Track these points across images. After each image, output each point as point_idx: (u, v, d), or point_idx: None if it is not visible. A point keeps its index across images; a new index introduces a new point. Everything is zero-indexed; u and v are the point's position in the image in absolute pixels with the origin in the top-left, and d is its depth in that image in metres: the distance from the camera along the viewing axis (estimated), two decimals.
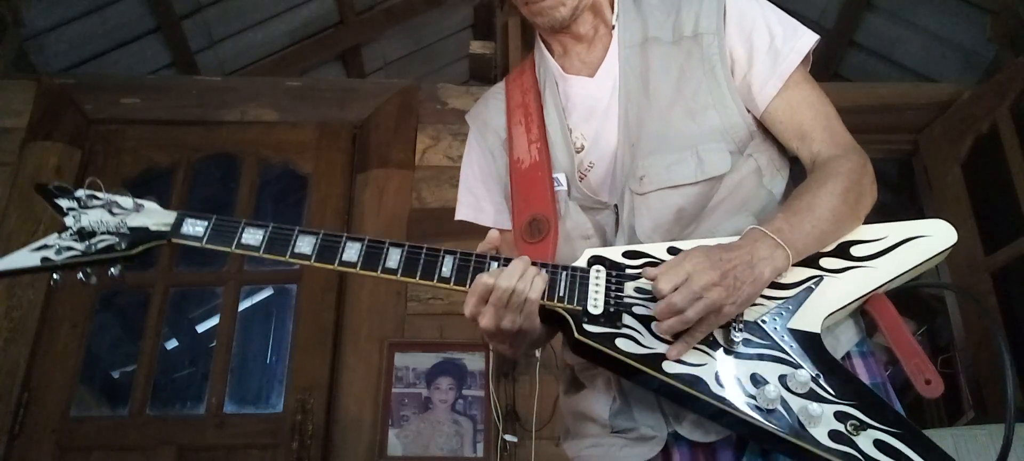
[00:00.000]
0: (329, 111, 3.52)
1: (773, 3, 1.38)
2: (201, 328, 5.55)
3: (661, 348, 1.13)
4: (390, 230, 3.22)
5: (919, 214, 3.73)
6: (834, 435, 1.06)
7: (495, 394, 3.00)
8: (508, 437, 2.92)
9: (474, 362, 3.06)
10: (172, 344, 5.31)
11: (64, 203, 1.23)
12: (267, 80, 4.00)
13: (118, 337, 4.64)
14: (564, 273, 1.19)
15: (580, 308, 1.16)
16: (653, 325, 1.14)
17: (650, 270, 1.13)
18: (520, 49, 3.65)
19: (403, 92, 3.56)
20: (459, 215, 1.50)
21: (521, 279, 1.13)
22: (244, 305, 4.15)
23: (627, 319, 1.16)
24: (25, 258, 1.18)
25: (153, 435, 2.96)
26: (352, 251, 1.20)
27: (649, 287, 1.14)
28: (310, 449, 2.90)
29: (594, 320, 1.16)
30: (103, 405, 4.23)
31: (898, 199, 4.23)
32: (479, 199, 1.48)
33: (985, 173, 3.32)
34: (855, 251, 1.21)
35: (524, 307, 1.14)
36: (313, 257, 1.20)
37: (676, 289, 1.08)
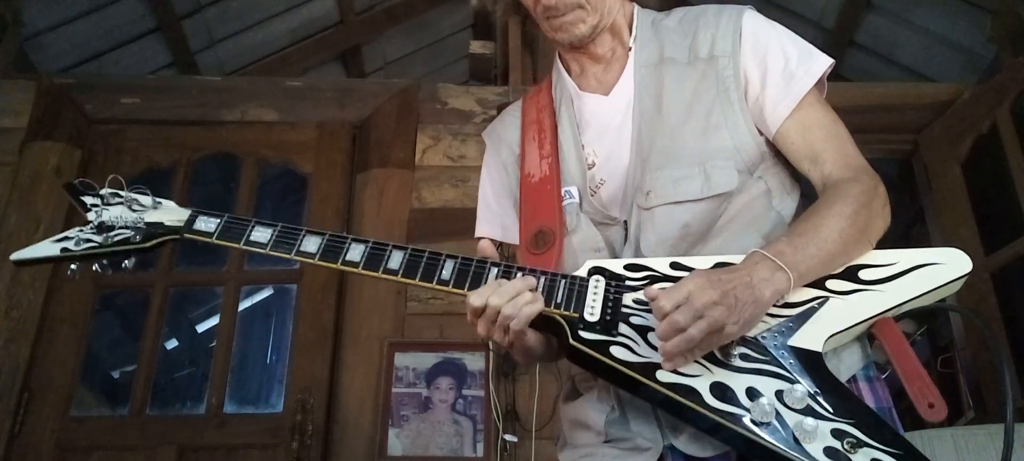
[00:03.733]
0: (329, 111, 3.52)
1: (779, 8, 1.38)
2: (201, 328, 5.56)
3: (656, 358, 1.12)
4: (390, 230, 3.23)
5: (919, 214, 3.73)
6: (830, 452, 1.05)
7: (495, 394, 3.00)
8: (508, 437, 2.92)
9: (474, 362, 3.06)
10: (172, 344, 5.32)
11: (88, 199, 1.31)
12: (267, 80, 4.00)
13: (118, 337, 4.64)
14: (563, 281, 1.20)
15: (576, 315, 1.17)
16: (650, 336, 1.14)
17: (650, 289, 1.13)
18: (520, 49, 3.66)
19: (403, 92, 3.56)
20: (479, 231, 1.51)
21: (511, 303, 1.15)
22: (244, 305, 4.15)
23: (623, 328, 1.16)
24: (47, 248, 1.27)
25: (153, 435, 2.96)
26: (356, 252, 1.24)
27: (651, 296, 1.13)
28: (310, 449, 2.90)
29: (590, 327, 1.16)
30: (103, 405, 4.23)
31: (898, 199, 4.22)
32: (497, 215, 1.50)
33: (985, 173, 3.32)
34: (863, 275, 1.20)
35: (510, 329, 1.16)
36: (317, 256, 1.25)
37: (677, 308, 1.08)
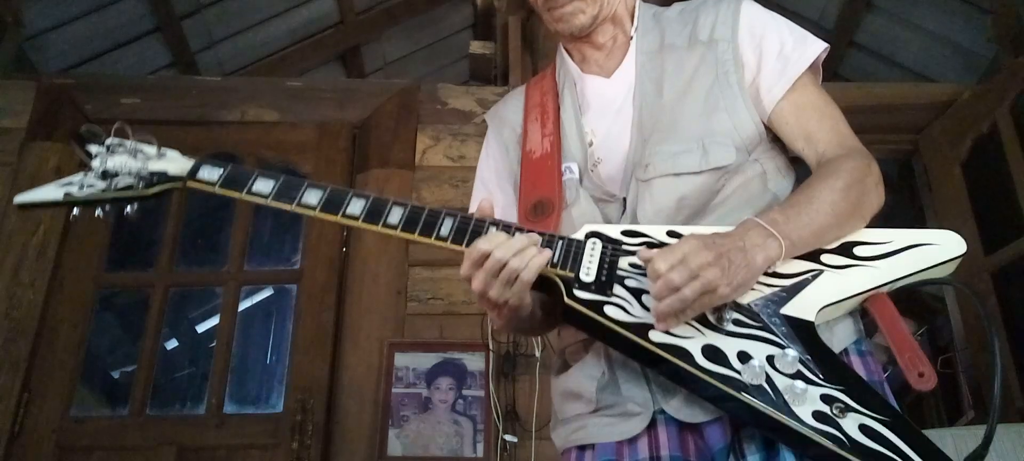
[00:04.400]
0: (329, 111, 3.52)
1: (779, 8, 1.41)
2: (201, 328, 5.55)
3: (650, 319, 1.14)
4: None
5: (919, 214, 3.73)
6: (818, 416, 1.06)
7: (495, 394, 3.00)
8: (508, 437, 2.92)
9: (474, 362, 3.06)
10: (172, 344, 5.31)
11: (93, 147, 1.31)
12: (267, 80, 4.01)
13: (118, 337, 4.64)
14: (561, 242, 1.22)
15: (572, 274, 1.19)
16: (644, 298, 1.16)
17: (645, 251, 1.15)
18: (520, 49, 3.66)
19: (403, 92, 3.56)
20: (473, 208, 1.51)
21: (518, 256, 1.15)
22: (244, 305, 4.14)
23: (618, 289, 1.18)
24: (50, 192, 1.27)
25: (153, 435, 2.96)
26: (356, 206, 1.25)
27: (644, 265, 1.15)
28: (310, 449, 2.90)
29: (585, 287, 1.18)
30: (103, 405, 4.23)
31: (898, 199, 4.22)
32: (493, 193, 1.51)
33: (985, 173, 3.32)
34: (858, 251, 1.22)
35: (515, 283, 1.16)
36: (318, 208, 1.25)
37: (672, 268, 1.09)
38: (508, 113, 1.56)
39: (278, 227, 3.74)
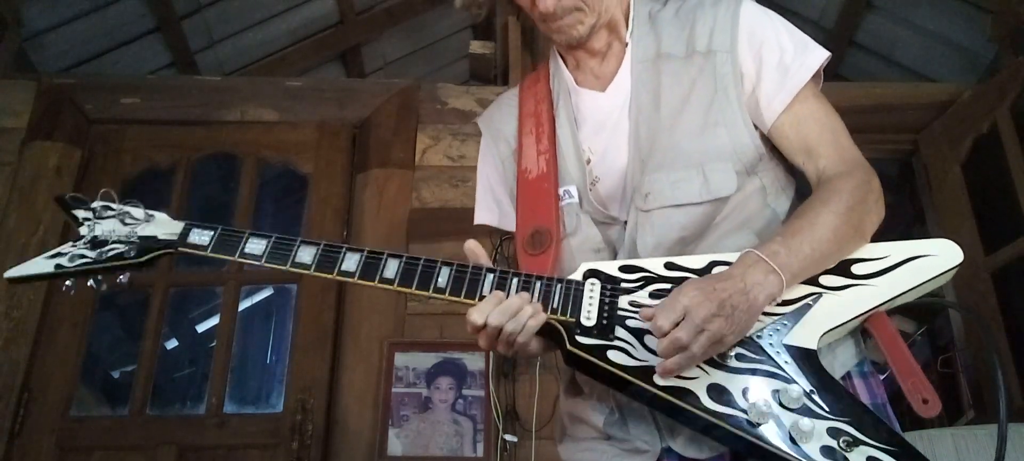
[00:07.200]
0: (329, 111, 3.52)
1: (779, 8, 1.38)
2: (201, 328, 5.56)
3: (653, 361, 1.12)
4: (390, 230, 3.22)
5: (919, 214, 3.73)
6: (826, 451, 1.06)
7: (495, 394, 3.00)
8: (508, 437, 2.92)
9: (474, 362, 3.06)
10: (172, 344, 5.32)
11: (80, 213, 1.30)
12: (267, 80, 4.00)
13: (118, 337, 4.64)
14: (559, 285, 1.20)
15: (573, 320, 1.18)
16: (647, 339, 1.14)
17: (646, 310, 1.13)
18: (520, 49, 3.66)
19: (403, 92, 3.56)
20: (478, 218, 1.51)
21: (513, 320, 1.15)
22: (244, 305, 4.15)
23: (620, 332, 1.17)
24: (40, 265, 1.26)
25: (153, 435, 2.96)
26: (351, 261, 1.24)
27: (648, 317, 1.13)
28: (310, 449, 2.90)
29: (587, 332, 1.17)
30: (103, 405, 4.23)
31: (898, 199, 4.22)
32: (496, 202, 1.50)
33: (985, 173, 3.31)
34: (856, 269, 1.21)
35: (515, 344, 1.16)
36: (313, 267, 1.25)
37: (676, 326, 1.07)
38: (502, 123, 1.52)
39: (278, 226, 3.73)
